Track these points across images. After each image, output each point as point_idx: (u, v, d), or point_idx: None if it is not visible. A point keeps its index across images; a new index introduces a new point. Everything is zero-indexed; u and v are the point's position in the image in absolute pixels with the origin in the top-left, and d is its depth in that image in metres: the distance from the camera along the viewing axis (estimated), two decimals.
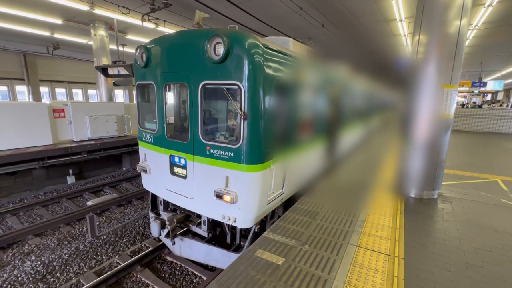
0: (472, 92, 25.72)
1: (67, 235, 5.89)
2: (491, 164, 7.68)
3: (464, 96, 32.95)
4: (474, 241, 3.50)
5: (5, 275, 4.52)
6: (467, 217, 4.19)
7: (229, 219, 3.65)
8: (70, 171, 9.32)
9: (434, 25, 4.34)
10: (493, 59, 18.57)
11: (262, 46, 3.29)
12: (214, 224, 4.34)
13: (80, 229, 6.16)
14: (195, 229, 4.42)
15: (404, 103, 5.20)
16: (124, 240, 5.65)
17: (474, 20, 10.42)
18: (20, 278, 4.41)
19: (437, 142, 4.60)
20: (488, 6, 8.93)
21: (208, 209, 3.88)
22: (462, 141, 11.55)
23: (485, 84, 21.47)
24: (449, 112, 4.48)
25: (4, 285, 4.24)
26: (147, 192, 5.26)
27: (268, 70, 3.38)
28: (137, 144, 5.70)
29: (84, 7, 9.36)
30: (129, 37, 13.84)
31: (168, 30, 11.55)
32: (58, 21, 11.01)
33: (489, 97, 32.07)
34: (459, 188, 5.50)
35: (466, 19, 4.21)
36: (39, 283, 4.34)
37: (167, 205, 4.87)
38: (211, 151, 3.62)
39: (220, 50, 3.23)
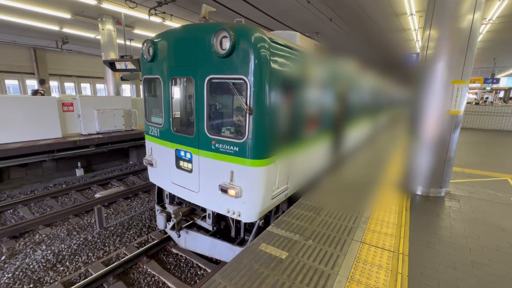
0: (484, 88, 25.05)
1: (76, 226, 6.04)
2: (502, 163, 7.51)
3: (476, 93, 32.09)
4: (481, 240, 3.45)
5: (17, 262, 4.68)
6: (475, 216, 4.12)
7: (234, 213, 3.68)
8: (79, 164, 9.50)
9: (445, 19, 4.22)
10: (507, 54, 18.01)
11: (268, 40, 3.27)
12: (218, 218, 4.39)
13: (89, 221, 6.31)
14: (200, 222, 4.47)
15: (412, 99, 5.11)
16: (131, 232, 5.77)
17: (488, 14, 10.09)
18: (31, 266, 4.56)
19: (446, 139, 4.52)
20: None
21: (213, 203, 3.91)
22: (473, 139, 11.31)
23: (498, 80, 20.88)
24: (459, 109, 4.38)
25: (17, 273, 4.40)
26: (153, 185, 5.34)
27: (274, 65, 3.36)
28: (143, 138, 5.78)
29: (92, 1, 9.42)
30: (136, 31, 13.90)
31: (175, 24, 11.54)
32: (67, 15, 11.13)
33: (501, 94, 31.12)
34: (468, 187, 5.40)
35: (480, 13, 4.08)
36: (49, 271, 4.48)
37: (172, 198, 4.94)
38: (216, 145, 3.64)
39: (226, 44, 3.22)
